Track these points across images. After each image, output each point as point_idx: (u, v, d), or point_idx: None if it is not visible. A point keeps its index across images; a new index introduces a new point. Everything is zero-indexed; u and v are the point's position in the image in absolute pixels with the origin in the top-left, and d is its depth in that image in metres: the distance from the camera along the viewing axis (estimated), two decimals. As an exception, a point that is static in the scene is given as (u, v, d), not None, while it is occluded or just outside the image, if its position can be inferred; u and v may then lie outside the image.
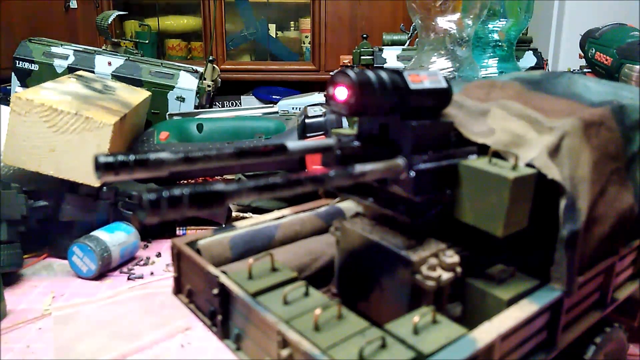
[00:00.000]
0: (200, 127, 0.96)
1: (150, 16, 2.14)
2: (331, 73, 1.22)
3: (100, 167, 0.26)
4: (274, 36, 2.25)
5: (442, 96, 0.36)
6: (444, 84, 0.36)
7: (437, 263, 0.34)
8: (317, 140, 0.36)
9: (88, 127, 0.73)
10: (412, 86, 0.34)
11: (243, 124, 1.00)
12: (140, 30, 1.87)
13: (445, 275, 0.33)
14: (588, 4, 1.82)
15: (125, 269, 0.76)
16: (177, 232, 0.87)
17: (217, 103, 1.89)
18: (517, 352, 0.32)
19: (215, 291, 0.34)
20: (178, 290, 0.40)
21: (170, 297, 0.65)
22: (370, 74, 0.32)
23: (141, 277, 0.73)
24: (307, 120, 0.84)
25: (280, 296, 0.33)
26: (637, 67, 1.03)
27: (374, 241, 0.36)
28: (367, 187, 0.36)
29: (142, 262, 0.78)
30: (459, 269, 0.34)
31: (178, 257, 0.39)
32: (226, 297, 0.34)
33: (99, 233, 0.74)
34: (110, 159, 0.26)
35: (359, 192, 0.37)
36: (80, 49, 1.21)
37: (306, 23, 2.19)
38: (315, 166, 0.85)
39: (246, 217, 0.97)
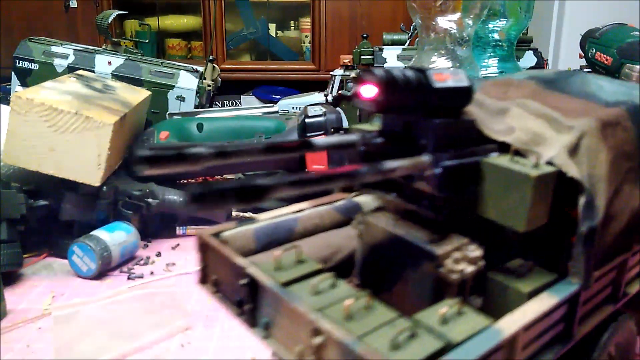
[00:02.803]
0: (200, 127, 0.96)
1: (150, 15, 2.13)
2: (331, 73, 1.22)
3: (142, 161, 0.27)
4: (274, 36, 2.24)
5: (464, 95, 0.37)
6: (466, 83, 0.36)
7: (461, 257, 0.34)
8: (341, 136, 0.36)
9: (88, 126, 0.73)
10: (436, 85, 0.34)
11: (243, 123, 1.00)
12: (140, 29, 1.86)
13: (469, 269, 0.34)
14: (588, 4, 1.82)
15: (125, 269, 0.76)
16: (177, 232, 0.87)
17: (217, 103, 1.89)
18: (537, 343, 0.33)
19: (244, 281, 0.35)
20: (203, 280, 0.41)
21: (170, 297, 0.66)
22: (397, 72, 0.33)
23: (141, 277, 0.73)
24: (307, 120, 0.84)
25: (308, 287, 0.33)
26: (638, 67, 1.03)
27: (398, 235, 0.37)
28: (391, 182, 0.37)
29: (142, 262, 0.78)
30: (481, 263, 0.35)
31: (203, 248, 0.40)
32: (254, 287, 0.35)
33: (99, 232, 0.74)
34: (152, 153, 0.27)
35: (383, 187, 0.38)
36: (81, 49, 1.21)
37: (306, 22, 2.19)
38: (315, 166, 0.85)
39: (246, 217, 0.97)
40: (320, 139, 0.34)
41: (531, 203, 0.33)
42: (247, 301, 0.35)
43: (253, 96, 2.04)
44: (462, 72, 0.37)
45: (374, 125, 0.40)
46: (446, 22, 0.92)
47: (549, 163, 0.35)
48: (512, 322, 0.31)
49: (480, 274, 0.36)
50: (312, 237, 0.44)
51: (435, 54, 0.94)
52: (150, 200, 0.82)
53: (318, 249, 0.42)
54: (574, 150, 0.36)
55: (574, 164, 0.35)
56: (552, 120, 0.38)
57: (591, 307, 0.39)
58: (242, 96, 2.04)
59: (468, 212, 0.36)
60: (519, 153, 0.36)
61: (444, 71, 0.36)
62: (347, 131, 0.85)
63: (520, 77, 0.46)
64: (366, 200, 0.48)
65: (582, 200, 0.35)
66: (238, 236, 0.40)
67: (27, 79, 1.19)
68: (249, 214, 0.98)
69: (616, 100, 0.41)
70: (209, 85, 1.21)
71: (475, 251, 0.35)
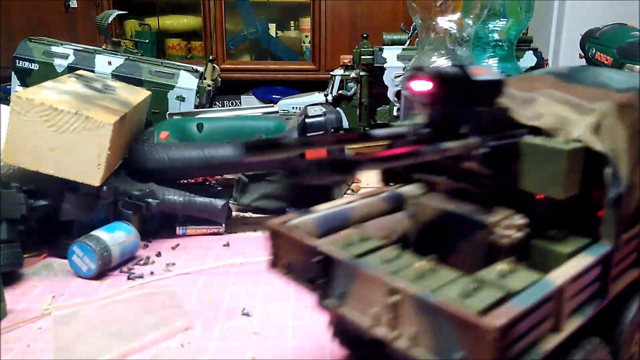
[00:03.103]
0: (200, 127, 0.96)
1: (150, 15, 2.13)
2: (332, 73, 1.22)
3: (248, 150, 0.32)
4: (274, 36, 2.25)
5: (497, 86, 0.42)
6: (498, 76, 0.42)
7: (509, 224, 0.40)
8: (394, 128, 0.42)
9: (88, 126, 0.73)
10: (475, 78, 0.40)
11: (243, 123, 1.00)
12: (140, 29, 1.87)
13: (517, 234, 0.40)
14: (588, 4, 1.82)
15: (125, 269, 0.76)
16: (177, 232, 0.87)
17: (217, 103, 1.89)
18: (579, 297, 0.38)
19: (317, 258, 0.40)
20: (274, 264, 0.46)
21: (170, 297, 0.66)
22: (444, 68, 0.39)
23: (141, 277, 0.73)
24: (307, 120, 0.84)
25: (378, 257, 0.38)
26: (638, 67, 1.03)
27: (450, 211, 0.42)
28: (439, 167, 0.42)
29: (142, 262, 0.78)
30: (526, 229, 0.40)
31: (274, 235, 0.45)
32: (328, 263, 0.40)
33: (99, 232, 0.74)
34: (255, 143, 0.32)
35: (432, 171, 0.44)
36: (81, 49, 1.21)
37: (306, 22, 2.19)
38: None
39: (246, 217, 0.97)
40: (378, 130, 0.39)
41: (566, 173, 0.38)
42: (321, 276, 0.40)
43: (253, 96, 2.04)
44: (495, 67, 0.41)
45: (416, 120, 0.47)
46: (446, 22, 0.92)
47: (577, 141, 0.40)
48: (560, 275, 0.36)
49: (524, 242, 0.41)
50: (366, 222, 0.49)
51: (436, 54, 0.94)
52: (150, 200, 0.82)
53: (374, 232, 0.47)
54: (596, 129, 0.41)
55: (598, 140, 0.40)
56: (575, 105, 0.43)
57: (622, 269, 0.43)
58: (242, 96, 2.04)
59: (510, 187, 0.41)
60: (548, 134, 0.41)
61: (479, 67, 0.41)
62: (348, 130, 0.87)
63: (539, 73, 0.52)
64: (407, 190, 0.53)
65: (607, 171, 0.40)
66: (303, 224, 0.46)
67: (27, 79, 1.19)
68: (248, 214, 0.98)
69: (627, 87, 0.47)
70: (209, 85, 1.21)
71: (520, 219, 0.40)
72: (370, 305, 0.36)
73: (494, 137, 0.40)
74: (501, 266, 0.36)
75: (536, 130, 0.42)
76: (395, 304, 0.34)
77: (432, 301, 0.32)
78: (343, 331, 0.52)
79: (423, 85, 0.39)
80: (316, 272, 0.40)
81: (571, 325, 0.36)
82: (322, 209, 0.49)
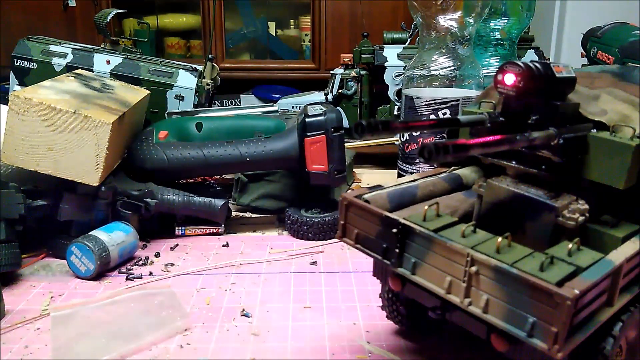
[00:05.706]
0: (199, 126, 0.95)
1: (149, 14, 2.13)
2: (332, 72, 1.21)
3: (362, 129, 0.35)
4: (274, 34, 2.24)
5: (572, 84, 0.46)
6: (573, 74, 0.45)
7: (575, 208, 0.44)
8: (475, 115, 0.45)
9: (86, 126, 0.73)
10: (558, 75, 0.43)
11: (243, 122, 1.00)
12: (139, 28, 1.86)
13: (581, 217, 0.43)
14: (590, 3, 1.81)
15: (123, 269, 0.75)
16: (176, 232, 0.86)
17: (216, 102, 1.89)
18: (630, 275, 0.41)
19: (395, 230, 0.43)
20: (343, 235, 0.49)
21: (169, 298, 0.65)
22: (532, 65, 0.42)
23: (140, 277, 0.73)
24: (307, 119, 0.84)
25: (455, 232, 0.42)
26: (639, 66, 1.02)
27: (520, 193, 0.46)
28: (511, 153, 0.47)
29: (140, 262, 0.77)
30: (587, 214, 0.44)
31: (347, 207, 0.48)
32: (404, 234, 0.43)
33: (97, 233, 0.74)
34: (368, 122, 0.35)
35: (502, 157, 0.48)
36: (79, 48, 1.20)
37: (306, 21, 2.19)
38: (315, 165, 0.84)
39: (246, 217, 0.97)
40: (463, 117, 0.43)
41: (630, 166, 0.42)
42: (395, 247, 0.43)
43: (252, 95, 2.04)
44: (570, 65, 0.46)
45: (482, 110, 0.52)
46: (447, 20, 0.92)
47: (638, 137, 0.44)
48: (619, 255, 0.40)
49: (583, 226, 0.44)
50: (430, 200, 0.51)
51: (437, 52, 0.93)
52: (149, 200, 0.81)
53: (440, 209, 0.49)
54: None
55: None
56: (636, 104, 0.47)
57: None
58: (241, 95, 2.04)
59: (576, 175, 0.45)
60: (611, 130, 0.44)
61: (558, 64, 0.44)
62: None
63: (595, 71, 0.56)
64: (464, 172, 0.57)
65: None
66: (376, 198, 0.49)
67: (26, 78, 1.18)
68: (248, 214, 0.97)
69: None
70: (208, 85, 1.21)
71: (584, 205, 0.44)
72: (444, 275, 0.40)
73: (567, 130, 0.43)
74: (570, 245, 0.39)
75: (600, 125, 0.45)
76: (473, 273, 0.38)
77: (514, 272, 0.35)
78: (394, 303, 0.56)
79: (510, 79, 0.43)
80: (390, 242, 0.43)
81: (621, 301, 0.40)
82: (390, 186, 0.52)
